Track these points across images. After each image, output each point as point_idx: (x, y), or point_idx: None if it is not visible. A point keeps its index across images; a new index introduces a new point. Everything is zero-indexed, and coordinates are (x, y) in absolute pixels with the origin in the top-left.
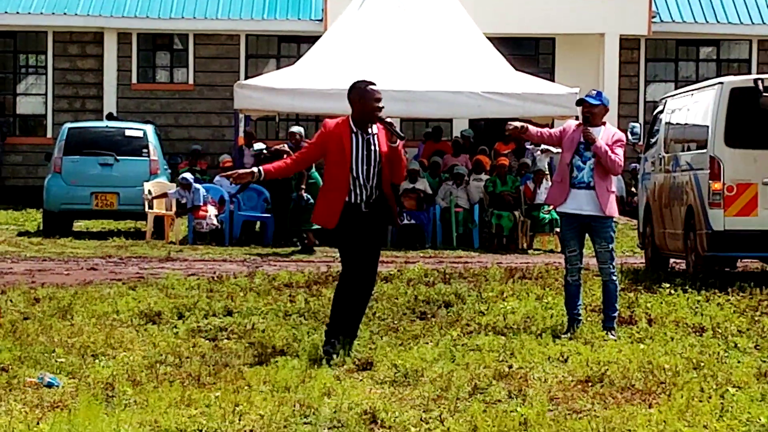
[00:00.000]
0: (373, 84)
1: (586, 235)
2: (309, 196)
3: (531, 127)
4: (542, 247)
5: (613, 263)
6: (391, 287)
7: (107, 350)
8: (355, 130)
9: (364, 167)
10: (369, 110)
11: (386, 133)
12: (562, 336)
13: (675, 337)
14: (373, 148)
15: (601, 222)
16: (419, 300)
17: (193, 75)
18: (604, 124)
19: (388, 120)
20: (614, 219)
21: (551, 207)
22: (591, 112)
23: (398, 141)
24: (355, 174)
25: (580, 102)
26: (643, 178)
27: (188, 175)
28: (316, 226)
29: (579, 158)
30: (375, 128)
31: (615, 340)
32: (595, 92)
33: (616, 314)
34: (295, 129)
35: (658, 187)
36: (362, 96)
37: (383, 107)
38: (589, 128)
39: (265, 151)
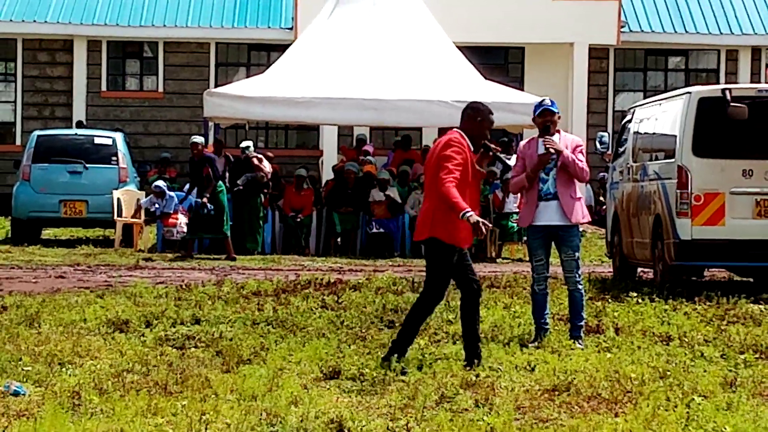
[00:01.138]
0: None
1: (552, 244)
2: (212, 207)
3: (515, 179)
4: (510, 256)
5: (579, 272)
6: (359, 296)
7: (74, 359)
8: (471, 147)
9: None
10: (483, 135)
11: (480, 158)
12: (530, 345)
13: (642, 346)
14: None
15: (567, 231)
16: (387, 309)
17: (162, 83)
18: (558, 131)
19: (494, 147)
20: (580, 228)
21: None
22: (552, 120)
23: (488, 168)
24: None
25: (541, 112)
26: (612, 187)
27: (161, 183)
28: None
29: (542, 171)
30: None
31: (582, 349)
32: (549, 101)
33: (582, 323)
34: (197, 139)
35: (626, 196)
36: (484, 119)
37: None
38: (550, 138)
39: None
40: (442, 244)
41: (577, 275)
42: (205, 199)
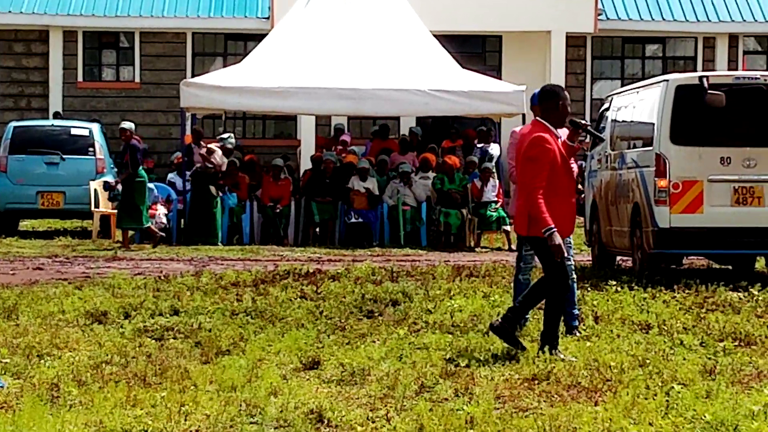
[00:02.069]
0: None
1: None
2: (119, 191)
3: None
4: (489, 245)
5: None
6: (338, 286)
7: (52, 350)
8: (558, 134)
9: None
10: (564, 115)
11: (571, 135)
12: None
13: (621, 334)
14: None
15: None
16: (366, 298)
17: (139, 73)
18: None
19: (583, 123)
20: None
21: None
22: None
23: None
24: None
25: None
26: (590, 175)
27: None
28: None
29: None
30: (559, 131)
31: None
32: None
33: (578, 313)
34: (126, 125)
35: (604, 184)
36: (563, 100)
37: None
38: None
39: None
40: (543, 240)
41: (572, 261)
42: (117, 185)
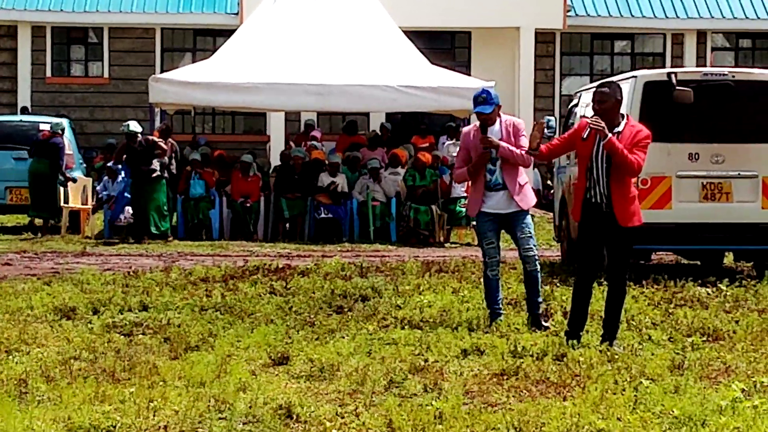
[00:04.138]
0: (604, 87)
1: (502, 229)
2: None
3: (458, 171)
4: (459, 241)
5: (536, 249)
6: (307, 281)
7: (21, 346)
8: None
9: (603, 165)
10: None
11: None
12: (485, 332)
13: (590, 329)
14: (599, 143)
15: (519, 215)
16: (336, 294)
17: (108, 69)
18: (499, 116)
19: (592, 119)
20: (530, 212)
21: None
22: (488, 118)
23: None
24: (593, 172)
25: (480, 116)
26: (559, 171)
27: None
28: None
29: (488, 162)
30: (621, 126)
31: (549, 328)
32: (484, 95)
33: (542, 301)
34: (45, 126)
35: (573, 180)
36: (593, 97)
37: (600, 108)
38: (486, 136)
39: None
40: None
41: (534, 250)
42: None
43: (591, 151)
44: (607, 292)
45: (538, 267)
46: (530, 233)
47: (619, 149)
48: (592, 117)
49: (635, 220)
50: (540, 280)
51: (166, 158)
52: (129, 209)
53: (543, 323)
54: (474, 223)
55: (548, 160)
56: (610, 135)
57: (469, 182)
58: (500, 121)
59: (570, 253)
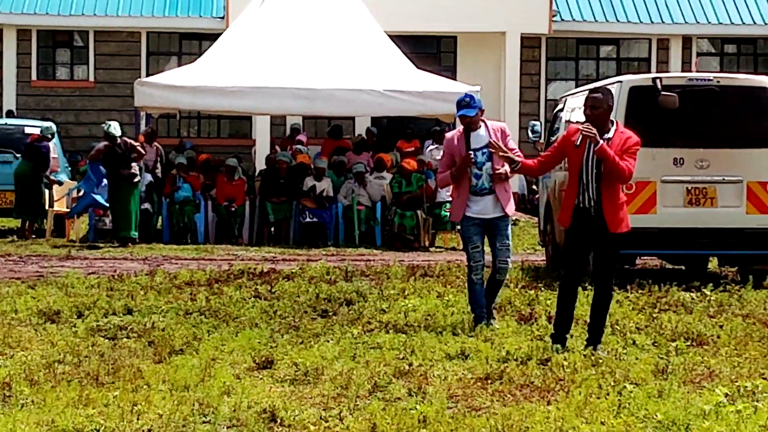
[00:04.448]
0: (597, 92)
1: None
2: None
3: (442, 176)
4: (444, 245)
5: (511, 260)
6: (292, 285)
7: (5, 349)
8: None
9: (593, 171)
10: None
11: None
12: (470, 336)
13: (574, 334)
14: (591, 151)
15: (503, 221)
16: (321, 298)
17: (93, 72)
18: (483, 122)
19: (584, 126)
20: (513, 216)
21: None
22: (471, 121)
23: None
24: (583, 178)
25: (462, 117)
26: (544, 176)
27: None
28: None
29: (474, 166)
30: (611, 132)
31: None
32: (468, 99)
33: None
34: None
35: (558, 185)
36: (585, 102)
37: (592, 113)
38: (589, 129)
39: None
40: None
41: (509, 263)
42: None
43: (582, 157)
44: (593, 296)
45: (507, 276)
46: (509, 245)
47: (611, 156)
48: (584, 123)
49: (624, 226)
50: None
51: (141, 163)
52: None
53: (493, 323)
54: (459, 228)
55: (540, 175)
56: (602, 142)
57: (452, 186)
58: (486, 126)
59: (555, 258)
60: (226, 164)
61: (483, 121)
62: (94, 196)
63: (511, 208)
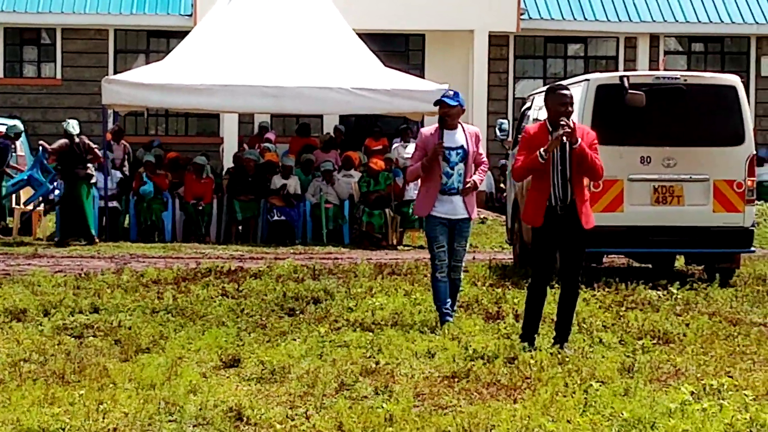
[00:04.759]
0: (564, 89)
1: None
2: None
3: (411, 168)
4: (412, 243)
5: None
6: (259, 283)
7: None
8: (551, 130)
9: (563, 168)
10: (556, 113)
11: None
12: (437, 334)
13: (541, 332)
14: (567, 148)
15: (466, 222)
16: (288, 296)
17: (61, 70)
18: (461, 124)
19: (565, 125)
20: (479, 215)
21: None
22: (449, 113)
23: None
24: (554, 176)
25: (438, 102)
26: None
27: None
28: None
29: (446, 164)
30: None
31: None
32: (452, 92)
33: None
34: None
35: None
36: (552, 100)
37: (568, 110)
38: (569, 125)
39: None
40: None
41: (464, 263)
42: None
43: (554, 155)
44: (560, 295)
45: (462, 276)
46: (466, 246)
47: (589, 154)
48: (562, 121)
49: (592, 222)
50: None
51: (109, 161)
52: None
53: (449, 319)
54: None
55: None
56: (580, 140)
57: (421, 182)
58: (463, 129)
59: (522, 256)
60: (195, 162)
61: (460, 123)
62: (49, 187)
63: (475, 209)
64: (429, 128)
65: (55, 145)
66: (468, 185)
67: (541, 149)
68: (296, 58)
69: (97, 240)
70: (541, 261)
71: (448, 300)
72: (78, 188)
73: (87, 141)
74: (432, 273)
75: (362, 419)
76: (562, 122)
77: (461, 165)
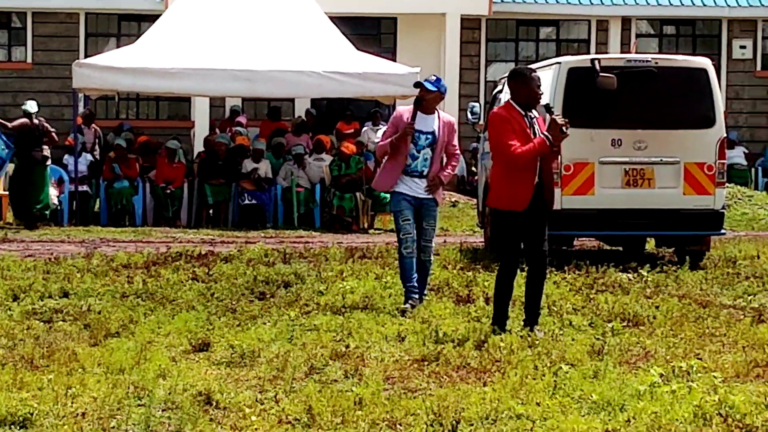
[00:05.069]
0: (534, 71)
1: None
2: None
3: (381, 143)
4: (383, 227)
5: (434, 242)
6: (230, 267)
7: None
8: (523, 113)
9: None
10: (534, 96)
11: (547, 125)
12: (402, 307)
13: (511, 315)
14: (537, 131)
15: (432, 201)
16: (258, 280)
17: (31, 53)
18: (437, 111)
19: (561, 118)
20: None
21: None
22: (425, 97)
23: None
24: (537, 161)
25: (418, 84)
26: (483, 157)
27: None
28: None
29: (414, 147)
30: (535, 112)
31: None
32: (434, 77)
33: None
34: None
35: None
36: (529, 83)
37: (542, 93)
38: (560, 118)
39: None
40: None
41: (433, 243)
42: None
43: (531, 139)
44: (528, 277)
45: (432, 258)
46: (435, 226)
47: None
48: (557, 115)
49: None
50: (430, 270)
51: (78, 144)
52: (53, 195)
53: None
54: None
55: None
56: (567, 132)
57: (387, 158)
58: (438, 116)
59: (493, 240)
60: (167, 146)
61: (438, 110)
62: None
63: (440, 195)
64: (406, 108)
65: (15, 123)
66: (433, 182)
67: (545, 133)
68: (268, 41)
69: (38, 225)
70: (511, 245)
71: (414, 276)
72: (33, 172)
73: (45, 123)
74: (399, 249)
75: (332, 402)
76: (559, 118)
77: (428, 150)
